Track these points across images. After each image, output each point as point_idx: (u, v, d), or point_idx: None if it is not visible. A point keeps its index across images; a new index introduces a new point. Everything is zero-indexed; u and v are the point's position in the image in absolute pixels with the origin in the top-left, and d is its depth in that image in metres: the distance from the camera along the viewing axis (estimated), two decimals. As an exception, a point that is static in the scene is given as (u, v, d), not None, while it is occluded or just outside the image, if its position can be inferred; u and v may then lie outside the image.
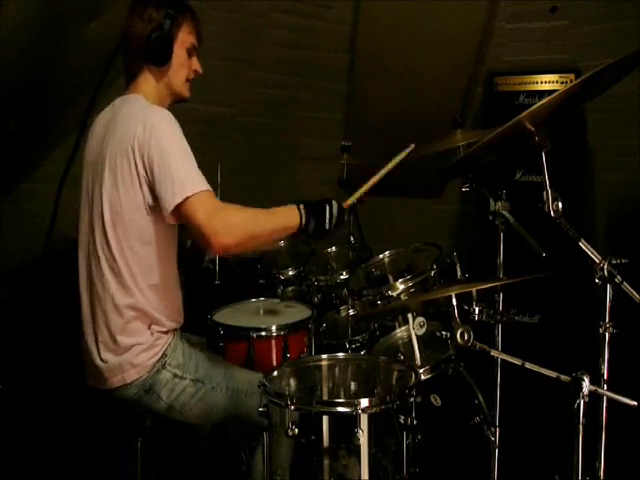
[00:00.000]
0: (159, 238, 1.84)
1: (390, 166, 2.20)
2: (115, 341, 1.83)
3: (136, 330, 1.84)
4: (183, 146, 1.78)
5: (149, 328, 1.86)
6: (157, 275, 1.87)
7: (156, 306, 1.87)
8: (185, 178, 1.72)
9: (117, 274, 1.82)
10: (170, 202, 1.71)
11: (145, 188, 1.77)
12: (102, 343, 1.85)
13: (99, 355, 1.85)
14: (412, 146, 2.26)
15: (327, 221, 1.93)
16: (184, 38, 1.93)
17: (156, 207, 1.78)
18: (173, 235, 1.91)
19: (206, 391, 1.91)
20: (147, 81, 1.92)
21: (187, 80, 1.98)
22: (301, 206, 1.91)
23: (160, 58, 1.89)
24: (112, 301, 1.83)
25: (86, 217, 1.90)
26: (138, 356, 1.84)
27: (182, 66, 1.94)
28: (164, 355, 1.87)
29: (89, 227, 1.88)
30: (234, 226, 1.74)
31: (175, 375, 1.88)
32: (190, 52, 1.96)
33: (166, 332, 1.90)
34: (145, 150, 1.74)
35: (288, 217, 1.89)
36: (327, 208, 1.94)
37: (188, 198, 1.70)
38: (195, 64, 1.99)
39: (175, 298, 1.96)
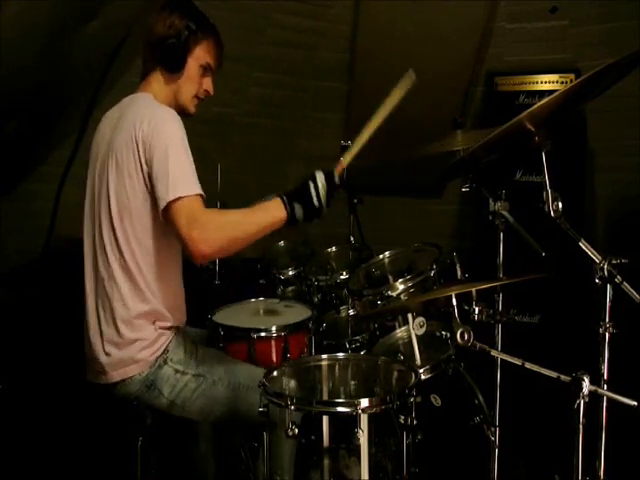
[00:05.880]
0: (167, 232, 1.84)
1: (390, 104, 1.92)
2: (119, 334, 1.83)
3: (141, 325, 1.85)
4: (184, 146, 1.79)
5: (153, 324, 1.87)
6: (163, 270, 1.88)
7: (161, 301, 1.88)
8: (180, 177, 1.73)
9: (124, 267, 1.83)
10: (164, 199, 1.72)
11: (148, 181, 1.79)
12: (106, 336, 1.85)
13: (103, 348, 1.85)
14: (411, 73, 1.88)
15: (315, 198, 1.80)
16: (200, 54, 1.95)
17: None
18: None
19: (207, 386, 1.91)
20: (157, 82, 1.95)
21: (196, 96, 2.00)
22: (283, 197, 1.80)
23: (171, 64, 1.93)
24: (119, 293, 1.83)
25: (92, 211, 1.91)
26: (141, 352, 1.84)
27: (193, 80, 1.96)
28: (166, 351, 1.88)
29: (95, 221, 1.89)
30: (211, 234, 1.69)
31: (177, 371, 1.88)
32: (204, 70, 1.98)
33: (169, 328, 1.91)
34: (147, 144, 1.77)
35: (272, 212, 1.79)
36: (311, 185, 1.81)
37: (180, 198, 1.70)
38: (207, 84, 2.01)
39: (179, 295, 1.97)
